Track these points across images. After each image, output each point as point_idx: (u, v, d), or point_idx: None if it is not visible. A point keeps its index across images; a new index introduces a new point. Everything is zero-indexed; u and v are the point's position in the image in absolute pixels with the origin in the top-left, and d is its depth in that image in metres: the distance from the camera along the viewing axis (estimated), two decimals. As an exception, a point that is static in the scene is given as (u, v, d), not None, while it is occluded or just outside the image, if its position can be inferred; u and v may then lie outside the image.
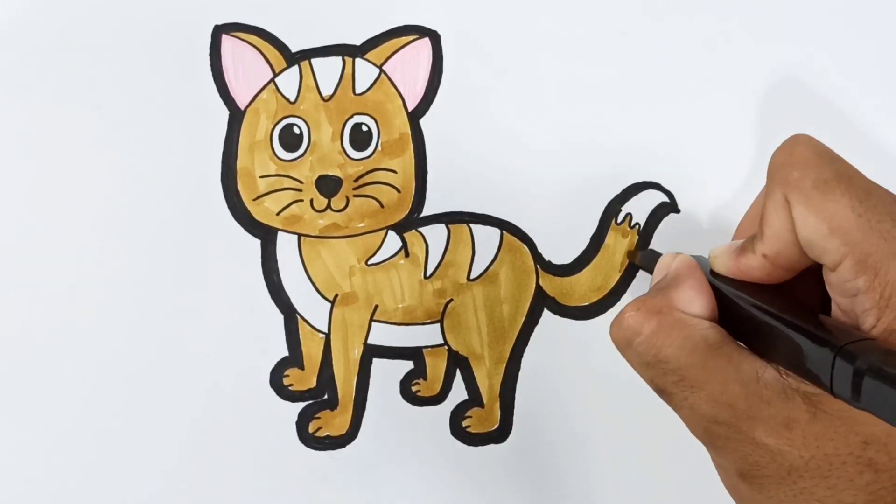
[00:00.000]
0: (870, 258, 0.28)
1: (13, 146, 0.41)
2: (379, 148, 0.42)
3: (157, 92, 0.42)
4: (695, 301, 0.32)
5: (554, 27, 0.44)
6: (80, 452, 0.41)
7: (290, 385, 0.42)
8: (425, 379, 0.43)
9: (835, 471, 0.28)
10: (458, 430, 0.43)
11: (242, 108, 0.42)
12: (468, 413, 0.43)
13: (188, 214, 0.42)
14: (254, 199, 0.42)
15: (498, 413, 0.43)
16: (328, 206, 0.42)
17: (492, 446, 0.43)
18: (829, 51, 0.44)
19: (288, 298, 0.42)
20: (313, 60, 0.42)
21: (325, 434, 0.42)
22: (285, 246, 0.42)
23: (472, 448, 0.43)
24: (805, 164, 0.30)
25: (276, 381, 0.42)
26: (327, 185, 0.42)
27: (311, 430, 0.42)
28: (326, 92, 0.42)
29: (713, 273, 0.34)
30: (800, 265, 0.31)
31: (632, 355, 0.33)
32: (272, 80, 0.42)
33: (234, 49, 0.42)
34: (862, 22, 0.44)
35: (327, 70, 0.42)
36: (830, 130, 0.44)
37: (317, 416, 0.42)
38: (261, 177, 0.42)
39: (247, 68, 0.42)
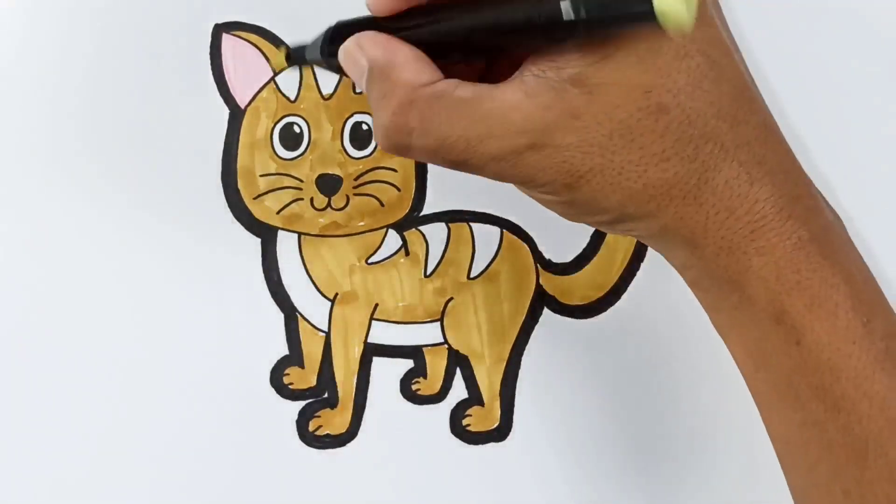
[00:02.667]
0: None
1: (12, 145, 0.42)
2: (379, 147, 0.42)
3: (158, 91, 0.42)
4: (422, 68, 0.30)
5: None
6: (79, 451, 0.41)
7: (291, 384, 0.42)
8: (425, 377, 0.43)
9: (636, 130, 0.28)
10: (459, 428, 0.42)
11: (243, 106, 0.42)
12: (468, 412, 0.43)
13: (188, 213, 0.42)
14: (254, 198, 0.42)
15: (498, 412, 0.43)
16: (328, 204, 0.42)
17: (492, 445, 0.42)
18: (812, 43, 0.44)
19: (288, 297, 0.42)
20: (314, 59, 0.42)
21: (326, 433, 0.42)
22: (285, 245, 0.42)
23: (472, 447, 0.42)
24: None
25: (277, 379, 0.42)
26: (327, 184, 0.42)
27: (311, 428, 0.42)
28: (326, 91, 0.42)
29: (380, 25, 0.31)
30: None
31: (417, 153, 0.30)
32: (272, 79, 0.42)
33: (234, 48, 0.42)
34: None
35: (327, 69, 0.42)
36: (829, 120, 0.44)
37: (317, 414, 0.42)
38: (261, 175, 0.42)
39: (247, 67, 0.42)
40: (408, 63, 0.30)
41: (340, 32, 0.33)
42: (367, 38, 0.32)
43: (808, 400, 0.30)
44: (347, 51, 0.32)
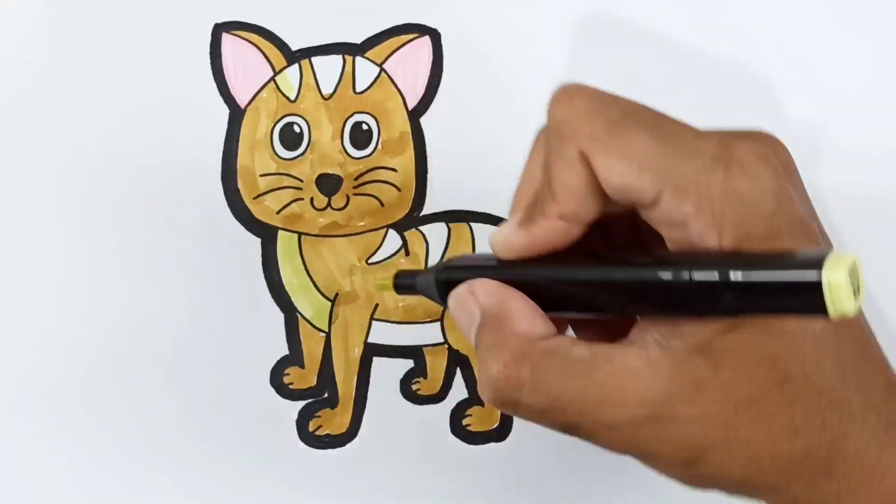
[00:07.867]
0: (686, 180, 0.26)
1: (11, 145, 0.42)
2: (379, 146, 0.42)
3: (157, 91, 0.42)
4: (536, 321, 0.29)
5: (554, 26, 0.44)
6: (78, 451, 0.41)
7: (291, 384, 0.42)
8: (426, 377, 0.43)
9: (761, 402, 0.27)
10: (459, 428, 0.43)
11: (243, 106, 0.42)
12: (468, 412, 0.43)
13: (188, 213, 0.42)
14: (254, 198, 0.42)
15: (498, 412, 0.43)
16: (328, 204, 0.42)
17: (492, 445, 0.43)
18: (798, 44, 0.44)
19: (288, 297, 0.42)
20: (313, 59, 0.42)
21: (326, 433, 0.42)
22: (286, 245, 0.42)
23: (472, 447, 0.43)
24: (591, 112, 0.28)
25: (277, 379, 0.42)
26: (327, 184, 0.42)
27: (311, 428, 0.42)
28: (327, 90, 0.42)
29: (502, 266, 0.30)
30: (593, 217, 0.29)
31: (524, 410, 0.29)
32: (272, 79, 0.42)
33: (234, 47, 0.42)
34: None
35: (328, 68, 0.42)
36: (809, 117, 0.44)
37: (317, 414, 0.42)
38: (261, 175, 0.42)
39: (247, 67, 0.42)
40: (523, 314, 0.29)
41: (449, 272, 0.33)
42: (479, 285, 0.30)
43: None
44: (459, 297, 0.31)
